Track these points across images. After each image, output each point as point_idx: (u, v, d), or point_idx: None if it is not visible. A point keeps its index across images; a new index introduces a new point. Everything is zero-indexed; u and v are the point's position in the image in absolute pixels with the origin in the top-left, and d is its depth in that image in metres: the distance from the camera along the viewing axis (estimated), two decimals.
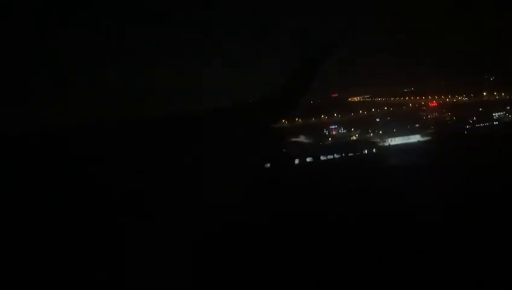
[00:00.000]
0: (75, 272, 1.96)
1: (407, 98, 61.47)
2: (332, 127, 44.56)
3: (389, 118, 46.23)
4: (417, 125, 39.78)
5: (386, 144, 34.45)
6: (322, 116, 57.60)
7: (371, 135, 38.46)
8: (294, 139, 44.77)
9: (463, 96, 52.55)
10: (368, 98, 74.40)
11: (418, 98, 53.63)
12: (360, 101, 72.34)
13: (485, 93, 52.79)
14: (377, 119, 46.37)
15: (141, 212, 2.39)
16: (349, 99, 76.47)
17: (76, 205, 2.26)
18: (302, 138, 44.25)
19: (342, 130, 43.87)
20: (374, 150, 32.42)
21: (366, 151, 32.32)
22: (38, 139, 2.83)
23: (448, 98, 51.78)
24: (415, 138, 34.36)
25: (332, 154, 31.77)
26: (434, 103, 45.62)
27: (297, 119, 56.49)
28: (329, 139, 39.80)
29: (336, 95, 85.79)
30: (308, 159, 31.41)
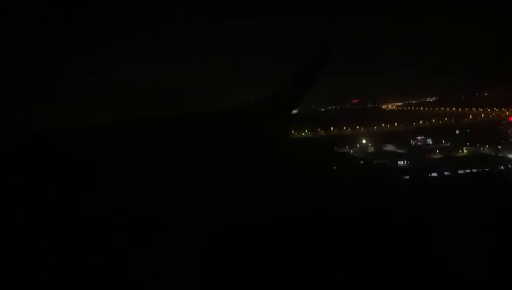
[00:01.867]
0: (83, 273, 1.93)
1: (459, 109, 62.67)
2: (419, 138, 43.94)
3: (468, 130, 46.60)
4: (511, 139, 40.14)
5: None
6: (383, 124, 57.16)
7: (481, 149, 38.18)
8: (385, 149, 43.61)
9: None
10: (403, 106, 75.39)
11: (486, 109, 54.71)
12: (399, 109, 72.99)
13: None
14: (457, 131, 46.55)
15: (149, 214, 2.35)
16: (383, 106, 77.08)
17: (82, 206, 2.24)
18: (390, 148, 43.17)
19: (428, 142, 43.33)
20: (509, 166, 32.08)
21: (502, 167, 31.87)
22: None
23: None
24: None
25: (464, 169, 30.97)
26: None
27: (359, 127, 55.63)
28: (437, 151, 38.96)
29: (356, 100, 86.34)
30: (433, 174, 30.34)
